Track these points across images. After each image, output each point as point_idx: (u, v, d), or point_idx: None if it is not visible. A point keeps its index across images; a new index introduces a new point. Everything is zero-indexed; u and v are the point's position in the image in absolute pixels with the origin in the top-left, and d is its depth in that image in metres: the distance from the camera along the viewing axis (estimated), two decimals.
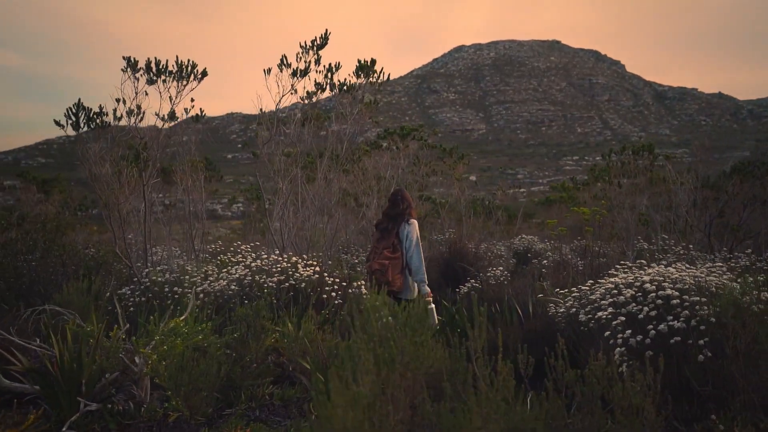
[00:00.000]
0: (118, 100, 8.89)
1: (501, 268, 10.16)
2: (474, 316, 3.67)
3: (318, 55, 9.41)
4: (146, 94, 8.96)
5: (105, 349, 5.88)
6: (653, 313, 5.75)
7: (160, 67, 8.86)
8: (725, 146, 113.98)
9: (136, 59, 8.84)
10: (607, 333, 5.89)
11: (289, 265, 8.93)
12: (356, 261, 12.08)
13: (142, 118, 9.06)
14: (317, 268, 8.95)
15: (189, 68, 8.94)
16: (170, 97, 8.80)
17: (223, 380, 5.82)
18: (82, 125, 8.64)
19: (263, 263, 8.97)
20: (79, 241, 11.10)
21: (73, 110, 8.60)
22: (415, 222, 7.15)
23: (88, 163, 8.58)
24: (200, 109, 9.12)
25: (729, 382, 5.39)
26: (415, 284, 7.07)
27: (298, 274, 8.78)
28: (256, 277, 8.70)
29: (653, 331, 5.60)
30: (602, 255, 10.54)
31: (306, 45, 9.41)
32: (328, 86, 10.18)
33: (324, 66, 9.66)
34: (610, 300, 6.15)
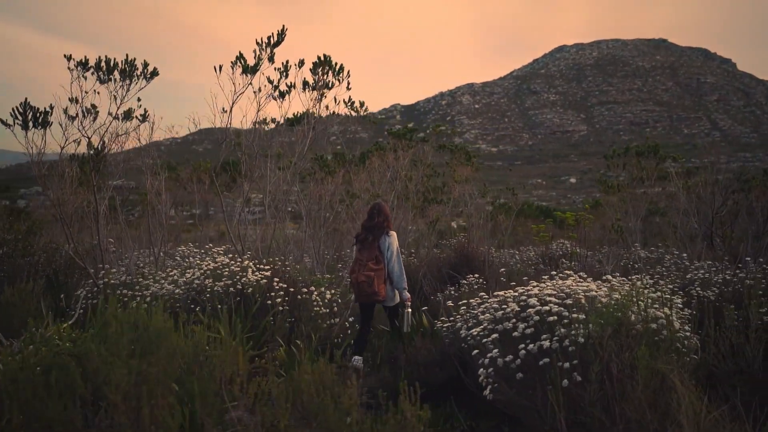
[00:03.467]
0: (71, 100, 8.81)
1: (476, 275, 9.58)
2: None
3: (272, 52, 9.08)
4: (97, 93, 8.85)
5: None
6: (529, 330, 5.17)
7: (111, 65, 8.73)
8: None
9: (87, 58, 8.74)
10: (476, 352, 5.34)
11: (238, 269, 8.64)
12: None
13: (95, 118, 8.95)
14: (267, 273, 8.61)
15: (138, 67, 8.77)
16: (114, 96, 8.64)
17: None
18: (30, 125, 8.57)
19: (216, 266, 8.71)
20: (59, 241, 11.12)
21: (20, 109, 8.55)
22: (394, 233, 7.62)
23: (34, 163, 8.52)
24: (144, 109, 8.96)
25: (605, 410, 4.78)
26: (396, 291, 7.54)
27: (245, 279, 8.47)
28: (207, 280, 8.44)
29: (523, 351, 5.03)
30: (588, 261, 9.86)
31: (262, 42, 9.10)
32: (299, 85, 9.85)
33: (282, 64, 9.33)
34: (488, 315, 5.58)
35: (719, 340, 5.54)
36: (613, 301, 5.18)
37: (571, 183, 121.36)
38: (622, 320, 4.97)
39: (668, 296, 5.84)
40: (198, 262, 9.54)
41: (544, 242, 11.37)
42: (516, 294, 5.66)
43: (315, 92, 9.84)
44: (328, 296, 8.60)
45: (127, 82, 8.65)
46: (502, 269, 8.70)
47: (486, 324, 5.51)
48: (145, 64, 8.85)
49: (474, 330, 5.50)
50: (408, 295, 7.51)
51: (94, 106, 8.90)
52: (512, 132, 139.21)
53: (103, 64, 8.72)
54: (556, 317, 5.11)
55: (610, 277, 6.30)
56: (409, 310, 7.48)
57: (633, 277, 6.28)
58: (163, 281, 8.74)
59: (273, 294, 8.20)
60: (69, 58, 8.50)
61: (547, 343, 4.95)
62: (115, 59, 8.68)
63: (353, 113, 11.40)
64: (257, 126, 10.83)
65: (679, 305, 5.59)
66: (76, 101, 8.77)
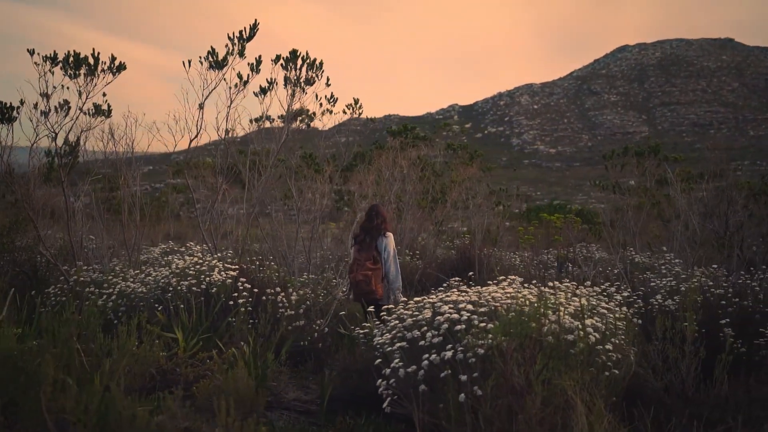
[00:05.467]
0: (42, 95, 8.74)
1: (457, 278, 9.24)
2: None
3: (242, 46, 8.86)
4: (66, 88, 8.77)
5: None
6: (437, 340, 4.82)
7: (78, 60, 8.62)
8: None
9: (56, 52, 8.66)
10: (378, 361, 5.01)
11: (205, 268, 8.49)
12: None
13: (67, 114, 8.88)
14: (233, 273, 8.43)
15: (106, 62, 8.66)
16: (80, 91, 8.54)
17: None
18: None
19: (185, 265, 8.58)
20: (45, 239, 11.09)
21: None
22: (391, 235, 7.88)
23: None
24: (108, 104, 8.83)
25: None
26: (391, 291, 7.78)
27: (209, 279, 8.31)
28: (173, 279, 8.32)
29: (426, 362, 4.69)
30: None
31: (233, 36, 8.89)
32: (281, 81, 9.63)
33: (256, 59, 9.10)
34: (397, 323, 5.23)
35: (650, 353, 5.11)
36: (529, 310, 4.79)
37: (630, 185, 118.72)
38: (532, 330, 4.59)
39: (609, 306, 5.44)
40: (175, 260, 9.41)
41: (530, 244, 10.90)
42: (433, 300, 5.31)
43: (296, 88, 9.58)
44: (294, 297, 8.38)
45: (90, 78, 8.51)
46: (470, 273, 8.31)
47: (396, 332, 5.17)
48: (113, 58, 8.73)
49: (380, 338, 5.17)
50: (401, 297, 7.51)
51: (66, 102, 8.83)
52: (571, 133, 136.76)
53: (71, 59, 8.62)
54: (464, 326, 4.75)
55: (557, 283, 5.92)
56: None
57: (575, 283, 5.85)
58: (131, 279, 8.64)
59: (236, 294, 8.03)
60: (32, 52, 8.42)
61: (449, 354, 4.60)
62: (79, 53, 8.57)
63: (346, 112, 11.17)
64: (254, 123, 10.70)
65: (609, 315, 5.15)
66: (47, 96, 8.70)
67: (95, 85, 8.63)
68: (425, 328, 4.99)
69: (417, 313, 5.19)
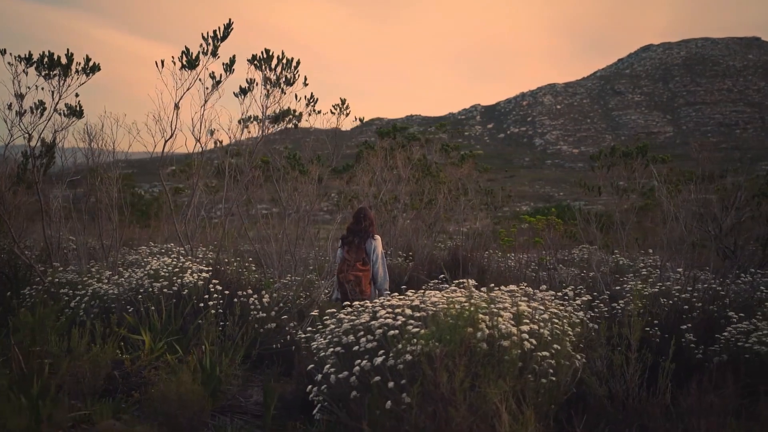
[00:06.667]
0: (17, 96, 8.71)
1: (436, 281, 9.12)
2: None
3: (216, 46, 8.76)
4: (41, 88, 8.73)
5: None
6: (371, 345, 4.69)
7: (53, 60, 8.58)
8: None
9: (30, 53, 8.63)
10: (311, 367, 4.88)
11: (177, 269, 8.41)
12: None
13: (41, 114, 8.84)
14: (206, 275, 8.34)
15: (81, 62, 8.61)
16: (52, 91, 8.49)
17: None
18: None
19: (158, 266, 8.51)
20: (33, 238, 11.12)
21: None
22: (378, 238, 8.05)
23: None
24: (79, 103, 8.76)
25: None
26: (378, 292, 7.88)
27: (180, 281, 8.23)
28: (146, 281, 8.25)
29: (358, 368, 4.56)
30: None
31: (207, 36, 8.80)
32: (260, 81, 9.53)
33: (230, 59, 8.99)
34: (334, 328, 5.10)
35: (595, 360, 4.94)
36: (467, 314, 4.64)
37: (654, 185, 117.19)
38: (466, 336, 4.44)
39: (559, 310, 5.28)
40: (152, 261, 9.35)
41: (510, 246, 10.71)
42: (372, 304, 5.18)
43: (274, 88, 9.48)
44: (266, 300, 8.28)
45: (63, 79, 8.47)
46: (441, 275, 8.20)
47: (332, 336, 5.04)
48: (87, 59, 8.68)
49: (316, 343, 5.04)
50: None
51: (41, 102, 8.80)
52: (594, 133, 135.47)
53: (45, 59, 8.58)
54: (397, 331, 4.62)
55: (513, 286, 5.76)
56: None
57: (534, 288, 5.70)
58: (105, 281, 8.59)
59: (206, 297, 7.94)
60: (3, 52, 8.40)
61: (379, 360, 4.47)
62: (53, 54, 8.53)
63: (334, 112, 11.07)
64: (242, 123, 10.62)
65: (555, 320, 4.97)
66: (21, 97, 8.67)
67: (68, 86, 8.57)
68: (362, 332, 4.86)
69: (355, 317, 5.06)
